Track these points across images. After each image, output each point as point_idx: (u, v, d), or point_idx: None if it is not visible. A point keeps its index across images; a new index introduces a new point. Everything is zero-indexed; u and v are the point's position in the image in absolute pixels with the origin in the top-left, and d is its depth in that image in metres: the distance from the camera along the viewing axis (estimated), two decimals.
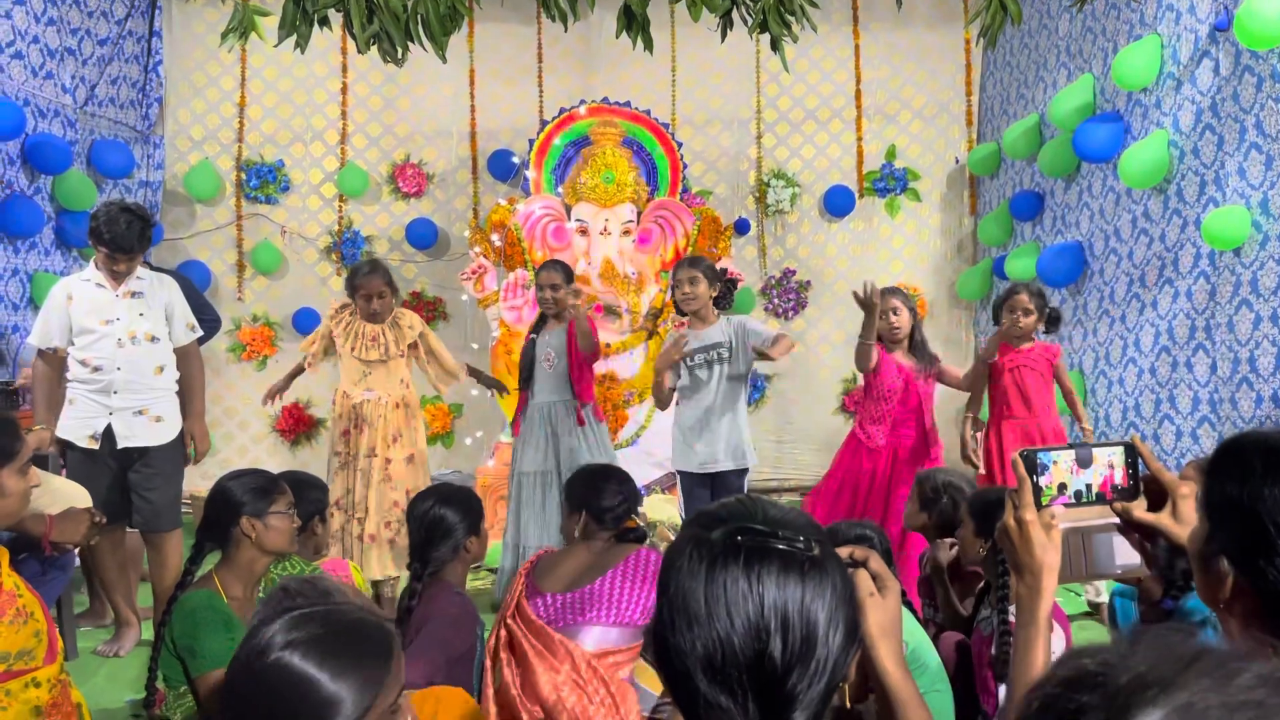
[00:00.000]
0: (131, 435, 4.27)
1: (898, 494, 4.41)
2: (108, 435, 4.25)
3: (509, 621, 2.87)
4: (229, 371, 7.46)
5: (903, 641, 1.33)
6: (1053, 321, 4.90)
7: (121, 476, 4.31)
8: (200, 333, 4.61)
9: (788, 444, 7.63)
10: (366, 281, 4.84)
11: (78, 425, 4.26)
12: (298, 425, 7.49)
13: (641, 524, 3.20)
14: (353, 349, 4.85)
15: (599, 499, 3.09)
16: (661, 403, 4.62)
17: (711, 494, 4.51)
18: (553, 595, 2.89)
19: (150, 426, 4.32)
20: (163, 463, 4.37)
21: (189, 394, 4.51)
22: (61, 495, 3.85)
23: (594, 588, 2.86)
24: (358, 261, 5.16)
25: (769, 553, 1.09)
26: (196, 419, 4.53)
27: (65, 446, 4.29)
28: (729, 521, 1.13)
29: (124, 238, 4.16)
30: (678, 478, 4.74)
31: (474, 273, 6.46)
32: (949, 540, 3.27)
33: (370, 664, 1.43)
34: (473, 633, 2.86)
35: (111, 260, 4.22)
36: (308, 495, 3.30)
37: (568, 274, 4.90)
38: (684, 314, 4.64)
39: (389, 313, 4.93)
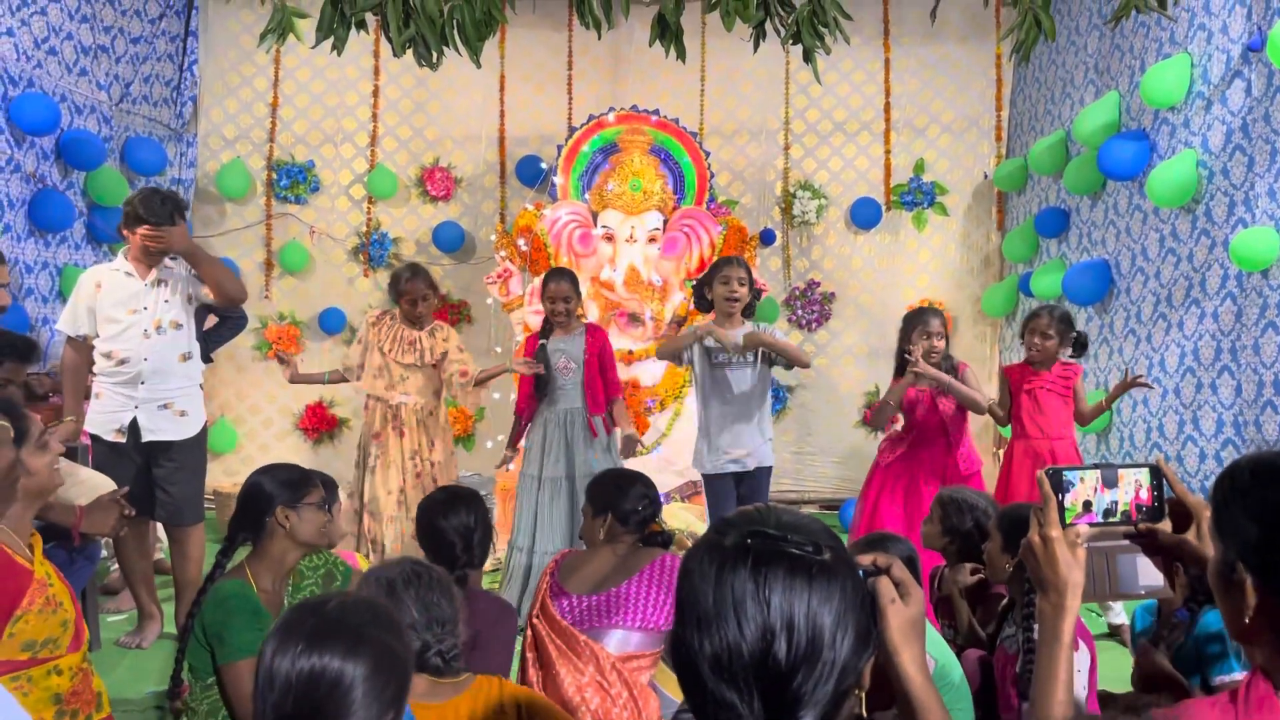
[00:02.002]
0: (156, 429, 4.32)
1: (921, 512, 4.38)
2: (133, 429, 4.30)
3: (534, 621, 2.90)
4: (254, 369, 7.52)
5: (925, 650, 1.33)
6: (1079, 347, 4.88)
7: (145, 470, 4.36)
8: None
9: (809, 455, 7.62)
10: (411, 286, 5.03)
11: (104, 419, 4.32)
12: (320, 423, 7.54)
13: (666, 528, 3.21)
14: (389, 352, 4.99)
15: (624, 502, 3.12)
16: (671, 356, 4.78)
17: (739, 494, 4.54)
18: (578, 597, 2.91)
19: (174, 420, 4.37)
20: (186, 457, 4.42)
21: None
22: (89, 487, 3.90)
23: (619, 591, 2.88)
24: (399, 267, 5.28)
25: (777, 556, 1.11)
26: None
27: (93, 439, 4.35)
28: (741, 526, 1.16)
29: (159, 214, 4.24)
30: (703, 483, 4.75)
31: (499, 277, 6.50)
32: (970, 565, 3.24)
33: (369, 630, 1.55)
34: (514, 625, 2.92)
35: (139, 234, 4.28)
36: None
37: (576, 285, 4.98)
38: (708, 310, 4.70)
39: (430, 316, 5.11)
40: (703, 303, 4.78)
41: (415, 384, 5.05)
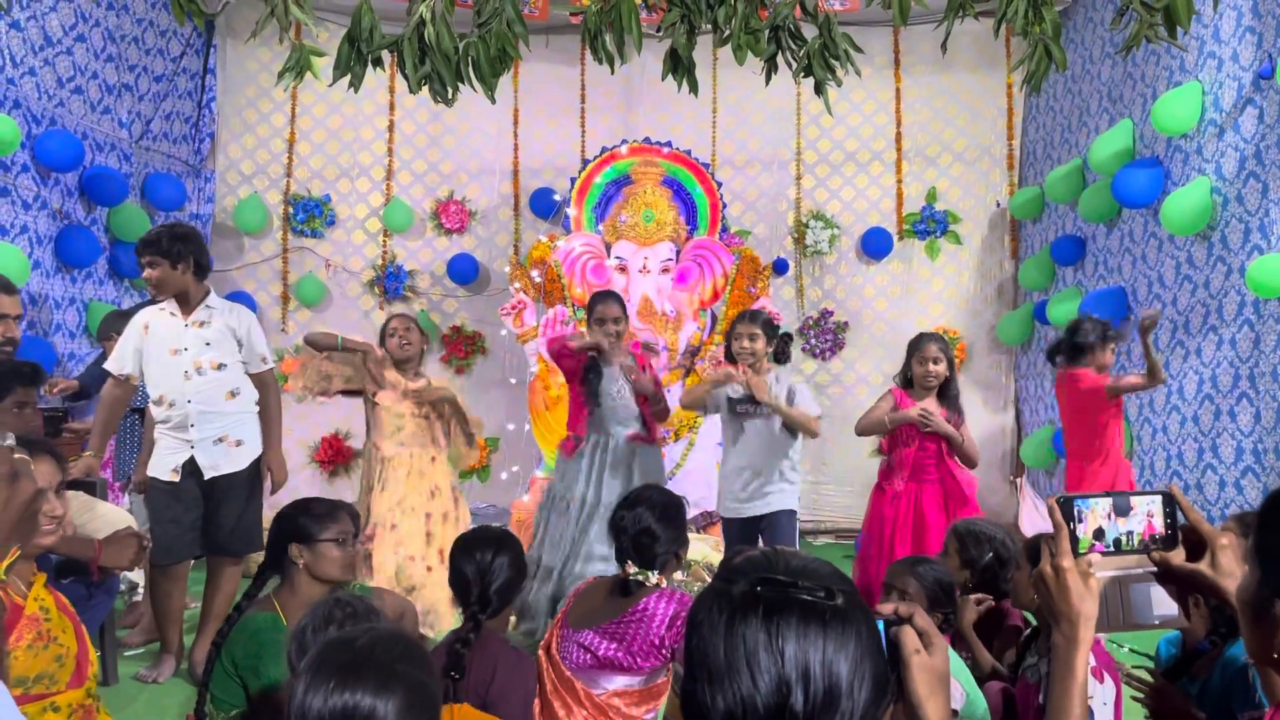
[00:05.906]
0: (215, 465, 4.33)
1: (925, 542, 4.32)
2: (192, 467, 4.31)
3: (540, 650, 2.89)
4: None
5: (950, 699, 1.30)
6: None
7: (202, 507, 4.37)
8: (274, 364, 4.66)
9: (824, 485, 7.58)
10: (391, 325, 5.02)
11: (159, 462, 4.34)
12: (336, 456, 7.56)
13: (641, 576, 2.89)
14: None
15: (621, 531, 2.94)
16: (696, 405, 4.62)
17: (759, 541, 4.47)
18: (570, 630, 2.85)
19: (230, 452, 4.37)
20: (236, 487, 4.39)
21: (266, 424, 4.54)
22: (107, 521, 3.92)
23: (599, 630, 2.80)
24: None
25: (789, 604, 1.07)
26: (273, 449, 4.56)
27: (150, 481, 4.36)
28: (750, 573, 1.12)
29: (143, 240, 4.27)
30: (721, 522, 4.67)
31: (514, 308, 6.53)
32: (975, 596, 3.19)
33: (400, 665, 1.56)
34: (532, 674, 2.79)
35: (141, 266, 4.32)
36: None
37: (624, 307, 4.82)
38: (734, 362, 4.61)
39: (419, 351, 5.00)
40: (730, 355, 4.73)
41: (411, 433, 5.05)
